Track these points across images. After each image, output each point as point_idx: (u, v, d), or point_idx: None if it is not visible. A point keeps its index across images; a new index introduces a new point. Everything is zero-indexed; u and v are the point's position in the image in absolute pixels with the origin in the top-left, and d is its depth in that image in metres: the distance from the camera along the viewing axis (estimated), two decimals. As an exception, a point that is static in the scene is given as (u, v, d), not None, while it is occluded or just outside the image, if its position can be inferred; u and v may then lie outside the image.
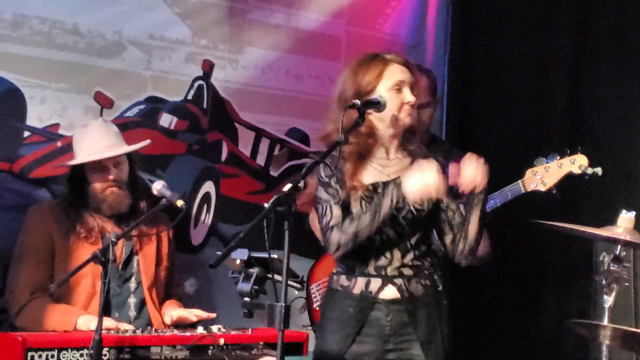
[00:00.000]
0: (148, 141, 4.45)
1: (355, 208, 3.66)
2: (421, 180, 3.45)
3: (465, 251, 3.69)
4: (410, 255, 3.74)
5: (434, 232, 3.82)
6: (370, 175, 3.74)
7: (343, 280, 3.78)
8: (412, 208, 3.68)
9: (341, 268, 3.79)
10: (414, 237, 3.73)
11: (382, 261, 3.72)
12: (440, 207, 3.75)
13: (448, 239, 3.76)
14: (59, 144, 4.58)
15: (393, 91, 3.69)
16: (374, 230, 3.55)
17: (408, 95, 3.69)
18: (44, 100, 4.57)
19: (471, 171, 3.59)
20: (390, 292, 3.71)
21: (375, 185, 3.71)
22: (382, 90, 3.67)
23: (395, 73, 3.72)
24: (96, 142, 4.21)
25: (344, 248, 3.54)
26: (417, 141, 3.84)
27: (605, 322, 3.53)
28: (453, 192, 3.74)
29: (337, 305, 3.78)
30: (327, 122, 3.79)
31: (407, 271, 3.72)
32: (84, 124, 4.42)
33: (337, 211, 3.59)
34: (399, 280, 3.70)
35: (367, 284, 3.72)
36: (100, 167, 4.18)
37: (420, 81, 3.87)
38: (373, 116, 3.68)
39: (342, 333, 3.74)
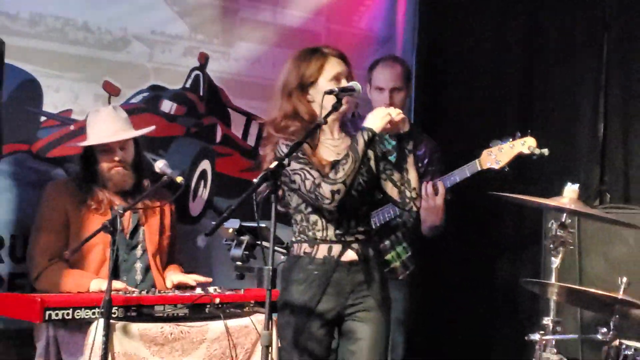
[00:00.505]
0: (153, 127, 4.48)
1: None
2: (383, 112, 3.59)
3: (412, 196, 3.76)
4: (362, 223, 3.81)
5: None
6: (325, 153, 3.80)
7: (305, 247, 3.79)
8: (361, 181, 3.76)
9: (302, 237, 3.80)
10: (363, 207, 3.81)
11: (341, 229, 3.76)
12: (380, 175, 3.83)
13: (395, 193, 3.81)
14: (72, 127, 4.60)
15: (332, 82, 3.75)
16: (357, 170, 3.59)
17: (347, 82, 3.76)
18: (58, 89, 4.59)
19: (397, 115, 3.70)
20: (349, 255, 3.75)
21: (337, 161, 3.74)
22: (324, 82, 3.76)
23: (334, 66, 3.79)
24: (106, 126, 4.24)
25: (338, 195, 3.54)
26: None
27: (553, 280, 3.59)
28: (385, 157, 3.88)
29: (302, 269, 3.78)
30: (272, 108, 3.85)
31: (361, 237, 3.78)
32: (96, 109, 4.43)
33: (315, 172, 3.62)
34: (355, 245, 3.76)
35: (330, 249, 3.75)
36: (107, 149, 4.20)
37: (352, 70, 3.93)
38: (315, 104, 3.76)
39: (310, 293, 3.75)
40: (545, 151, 4.06)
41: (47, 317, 3.66)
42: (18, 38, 4.41)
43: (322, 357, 3.82)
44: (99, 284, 4.00)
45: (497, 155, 4.14)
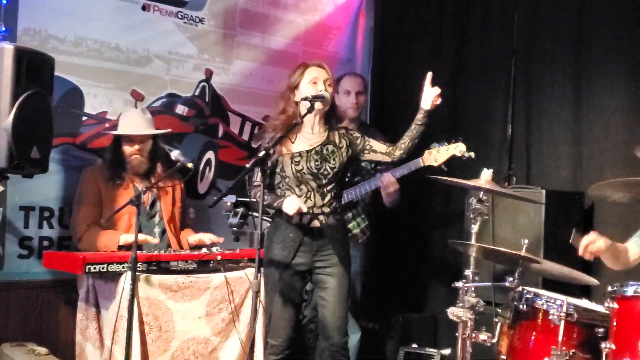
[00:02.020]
0: (169, 130, 4.54)
1: (284, 170, 3.81)
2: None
3: (409, 145, 3.88)
4: (327, 199, 3.83)
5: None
6: (299, 144, 3.83)
7: (284, 216, 3.81)
8: (328, 167, 3.79)
9: None
10: (329, 186, 3.83)
11: (309, 203, 3.80)
12: (359, 157, 3.96)
13: (379, 157, 3.93)
14: (106, 124, 4.60)
15: (310, 84, 3.80)
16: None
17: (320, 86, 3.80)
18: (96, 95, 4.59)
19: (435, 94, 3.80)
20: (316, 223, 3.80)
21: (299, 154, 3.80)
22: (304, 84, 3.81)
23: (312, 72, 3.83)
24: (133, 122, 4.27)
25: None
26: (332, 120, 3.96)
27: (473, 242, 3.61)
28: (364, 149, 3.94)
29: (281, 231, 3.84)
30: (275, 109, 3.95)
31: (326, 209, 3.82)
32: (129, 110, 4.49)
33: (259, 176, 3.68)
34: (321, 216, 3.80)
35: (302, 218, 3.79)
36: (130, 140, 4.22)
37: (333, 77, 3.97)
38: (302, 105, 3.77)
39: (287, 250, 3.82)
40: (472, 154, 4.08)
41: (87, 270, 3.69)
42: (65, 56, 4.41)
43: (295, 300, 3.88)
44: (126, 237, 4.05)
45: (436, 155, 4.13)
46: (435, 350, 4.62)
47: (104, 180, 4.20)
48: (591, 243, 3.38)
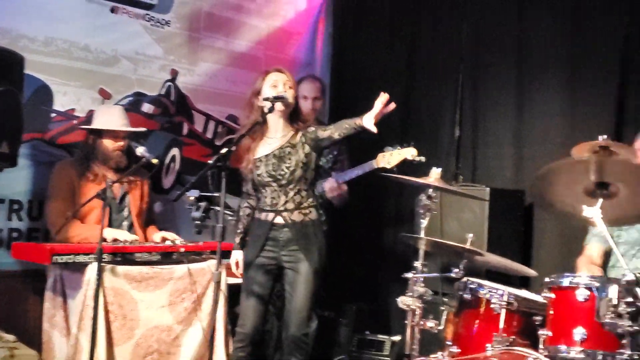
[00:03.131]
0: (144, 129, 4.54)
1: (251, 176, 3.85)
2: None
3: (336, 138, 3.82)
4: (290, 196, 3.81)
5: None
6: (262, 148, 3.85)
7: (257, 214, 3.88)
8: (285, 167, 3.79)
9: (258, 207, 3.90)
10: (290, 185, 3.82)
11: (273, 202, 3.82)
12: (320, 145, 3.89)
13: (329, 133, 3.83)
14: (74, 121, 4.53)
15: (271, 87, 3.81)
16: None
17: (280, 89, 3.80)
18: (65, 93, 4.51)
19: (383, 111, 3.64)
20: (280, 220, 3.80)
21: (259, 160, 3.81)
22: (266, 88, 3.82)
23: (272, 77, 3.84)
24: (116, 119, 4.23)
25: None
26: (297, 120, 3.91)
27: (422, 235, 3.62)
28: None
29: (255, 229, 3.89)
30: (242, 111, 3.96)
31: (290, 206, 3.81)
32: (107, 106, 4.49)
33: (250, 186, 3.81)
34: (285, 213, 3.80)
35: (267, 216, 3.82)
36: (114, 135, 4.18)
37: (294, 80, 3.95)
38: (264, 106, 3.74)
39: (256, 245, 3.83)
40: (423, 158, 4.09)
41: (54, 261, 3.64)
42: (35, 55, 4.32)
43: (260, 293, 3.87)
44: (111, 232, 4.00)
45: (389, 158, 4.14)
46: (387, 337, 4.65)
47: (76, 174, 4.13)
48: None
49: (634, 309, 3.04)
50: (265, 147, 3.84)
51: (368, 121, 3.60)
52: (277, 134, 3.85)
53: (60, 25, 4.46)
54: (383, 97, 3.58)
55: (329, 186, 4.62)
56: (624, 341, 3.01)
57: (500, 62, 5.04)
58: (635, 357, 2.98)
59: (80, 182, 4.12)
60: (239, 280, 3.94)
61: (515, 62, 4.96)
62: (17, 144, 3.75)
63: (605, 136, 3.37)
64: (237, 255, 3.92)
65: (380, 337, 4.66)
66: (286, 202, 3.81)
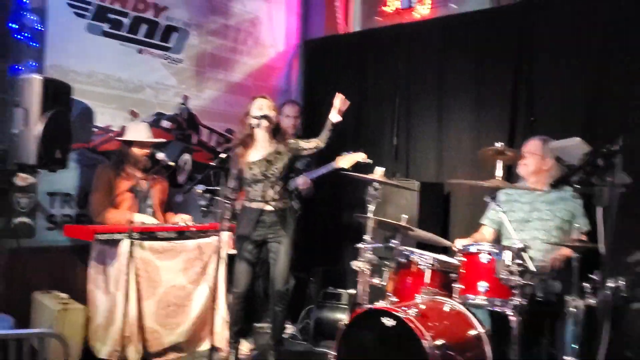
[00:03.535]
0: (164, 140, 4.51)
1: (245, 175, 3.77)
2: None
3: (322, 144, 3.84)
4: (276, 190, 3.80)
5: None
6: (253, 154, 3.81)
7: (246, 202, 3.81)
8: (274, 169, 3.77)
9: (248, 198, 3.83)
10: (276, 182, 3.80)
11: (262, 194, 3.78)
12: (293, 164, 3.92)
13: (310, 152, 3.89)
14: (111, 134, 4.46)
15: (257, 109, 3.77)
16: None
17: (265, 111, 3.75)
18: (104, 114, 4.45)
19: (339, 106, 3.78)
20: (269, 207, 3.77)
21: (254, 163, 3.77)
22: (254, 110, 3.77)
23: (258, 102, 3.80)
24: (144, 133, 4.19)
25: None
26: (278, 134, 3.88)
27: (370, 216, 3.63)
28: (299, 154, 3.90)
29: (246, 214, 3.82)
30: (237, 126, 3.93)
31: (276, 197, 3.79)
32: (136, 122, 4.43)
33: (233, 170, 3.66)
34: (272, 202, 3.78)
35: (257, 204, 3.78)
36: (141, 144, 4.13)
37: (275, 104, 3.94)
38: (252, 123, 3.73)
39: (249, 226, 3.78)
40: (370, 160, 4.12)
41: (96, 238, 3.61)
42: (80, 85, 4.25)
43: (252, 261, 3.85)
44: (139, 217, 3.96)
45: (345, 160, 4.16)
46: (345, 291, 4.65)
47: (113, 174, 4.08)
48: None
49: (522, 268, 3.11)
50: (256, 153, 3.81)
51: (334, 116, 3.79)
52: (264, 144, 3.83)
53: (100, 63, 4.41)
54: (339, 96, 3.80)
55: (302, 182, 4.60)
56: (515, 291, 3.08)
57: (425, 90, 5.04)
58: (523, 302, 3.04)
59: (115, 180, 4.07)
60: (234, 252, 3.93)
61: (436, 91, 4.97)
62: (67, 151, 3.72)
63: (501, 143, 3.44)
64: (229, 235, 3.88)
65: (340, 291, 4.65)
66: (273, 194, 3.79)
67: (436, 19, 5.25)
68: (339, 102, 3.80)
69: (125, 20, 4.57)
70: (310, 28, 6.01)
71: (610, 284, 3.05)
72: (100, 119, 4.44)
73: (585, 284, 3.10)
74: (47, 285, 4.00)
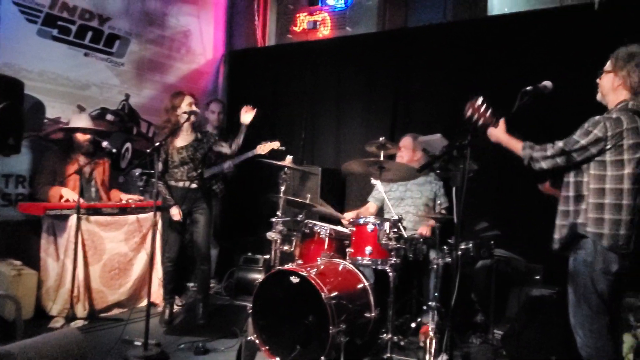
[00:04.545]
0: (104, 129, 4.31)
1: (173, 158, 3.65)
2: None
3: (235, 149, 3.81)
4: (198, 171, 3.74)
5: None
6: (180, 141, 3.71)
7: (172, 182, 3.71)
8: (198, 154, 3.70)
9: (175, 178, 3.70)
10: (199, 165, 3.73)
11: (188, 175, 3.70)
12: (210, 153, 3.84)
13: (227, 152, 3.83)
14: (60, 125, 4.19)
15: (187, 105, 3.65)
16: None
17: (193, 107, 3.66)
18: (54, 107, 4.19)
19: (247, 113, 3.74)
20: (193, 186, 3.69)
21: (182, 148, 3.68)
22: (184, 106, 3.65)
23: (188, 99, 3.68)
24: (85, 120, 3.97)
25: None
26: (199, 126, 3.87)
27: (281, 195, 3.66)
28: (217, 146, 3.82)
29: (176, 192, 3.71)
30: (162, 119, 3.74)
31: (199, 177, 3.73)
32: (79, 113, 4.17)
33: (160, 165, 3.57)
34: (196, 181, 3.70)
35: (184, 183, 3.69)
36: (84, 130, 3.91)
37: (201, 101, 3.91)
38: (182, 116, 3.62)
39: (179, 201, 3.69)
40: (283, 148, 4.11)
41: (47, 213, 3.46)
42: (32, 82, 3.99)
43: (180, 230, 3.76)
44: (67, 192, 3.71)
45: (263, 148, 4.11)
46: (261, 256, 4.66)
47: (59, 158, 3.86)
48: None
49: (397, 235, 3.27)
50: (182, 140, 3.72)
51: (244, 119, 3.78)
52: (188, 134, 3.75)
53: (50, 63, 4.14)
54: (245, 108, 3.80)
55: (227, 166, 4.46)
56: (392, 253, 3.23)
57: (327, 96, 5.10)
58: (398, 261, 3.20)
59: (61, 164, 3.86)
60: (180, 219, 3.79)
61: (335, 96, 5.06)
62: (20, 139, 3.43)
63: (383, 138, 3.58)
64: (177, 209, 3.72)
65: (257, 256, 4.66)
66: (196, 175, 3.73)
67: (335, 38, 5.34)
68: (244, 110, 3.79)
69: (73, 27, 4.30)
70: (234, 41, 5.92)
71: (462, 246, 3.32)
72: (51, 112, 4.18)
73: (444, 247, 3.33)
74: (3, 254, 3.74)
